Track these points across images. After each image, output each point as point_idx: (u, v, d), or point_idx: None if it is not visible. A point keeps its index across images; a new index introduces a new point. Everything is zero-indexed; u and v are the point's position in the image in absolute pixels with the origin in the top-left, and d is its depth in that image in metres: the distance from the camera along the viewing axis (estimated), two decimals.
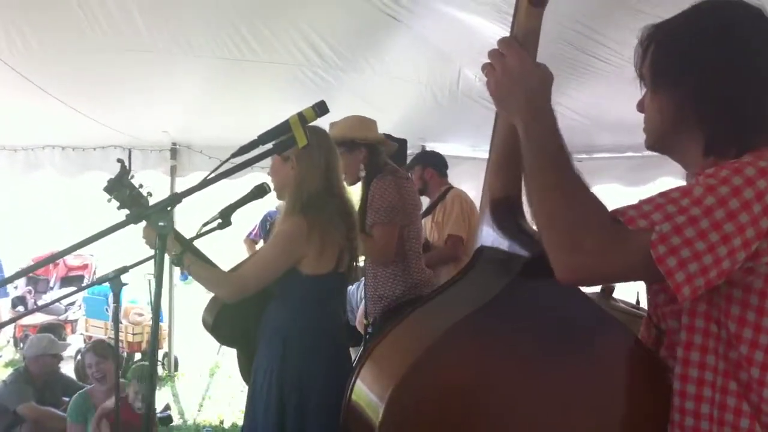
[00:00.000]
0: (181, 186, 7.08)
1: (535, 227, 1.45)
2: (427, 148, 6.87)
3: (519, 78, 1.44)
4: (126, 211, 2.85)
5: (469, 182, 6.34)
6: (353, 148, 4.06)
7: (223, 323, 3.31)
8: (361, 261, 4.40)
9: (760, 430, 1.38)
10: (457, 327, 1.49)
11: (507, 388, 1.48)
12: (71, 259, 10.38)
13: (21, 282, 10.01)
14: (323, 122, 4.01)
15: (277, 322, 3.17)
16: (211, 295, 3.36)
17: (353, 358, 3.54)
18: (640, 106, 1.59)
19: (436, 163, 5.79)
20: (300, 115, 1.75)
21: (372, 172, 4.09)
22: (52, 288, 10.16)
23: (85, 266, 10.40)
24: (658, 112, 1.53)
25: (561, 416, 1.48)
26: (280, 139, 1.80)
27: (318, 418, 3.06)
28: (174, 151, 7.58)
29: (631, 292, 3.69)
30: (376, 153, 4.14)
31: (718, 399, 1.40)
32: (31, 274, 9.99)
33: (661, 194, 1.34)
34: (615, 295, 3.45)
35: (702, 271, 1.26)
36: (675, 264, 1.26)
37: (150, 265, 3.32)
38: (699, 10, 1.49)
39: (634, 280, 1.44)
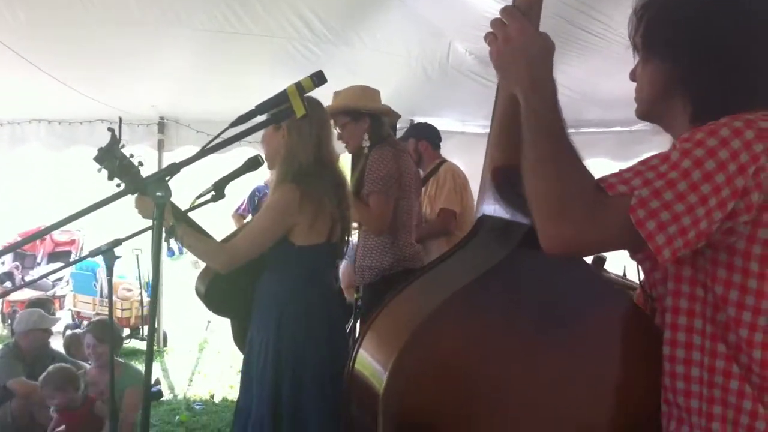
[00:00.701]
0: (168, 160, 7.04)
1: None
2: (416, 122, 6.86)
3: (520, 47, 1.44)
4: (116, 182, 2.82)
5: (459, 156, 6.33)
6: (358, 118, 4.10)
7: (215, 292, 3.30)
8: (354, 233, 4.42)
9: (749, 390, 1.40)
10: (457, 295, 1.51)
11: (507, 355, 1.50)
12: (58, 235, 10.31)
13: (8, 258, 9.95)
14: (326, 92, 4.05)
15: (271, 292, 3.18)
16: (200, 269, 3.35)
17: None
18: (633, 75, 1.60)
19: (430, 136, 5.77)
20: (298, 84, 1.74)
21: (375, 142, 4.10)
22: (39, 264, 10.10)
23: (72, 242, 10.35)
24: (649, 81, 1.55)
25: (559, 385, 1.50)
26: (278, 109, 1.78)
27: (313, 388, 3.07)
28: (162, 125, 7.53)
29: (618, 265, 3.71)
30: (380, 123, 4.16)
31: (707, 362, 1.43)
32: (18, 250, 9.95)
33: (641, 162, 1.37)
34: (611, 268, 3.47)
35: (681, 232, 1.28)
36: (654, 227, 1.28)
37: (138, 240, 3.31)
38: None
39: (617, 248, 1.44)
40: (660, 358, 1.49)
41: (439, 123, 6.21)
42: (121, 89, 6.37)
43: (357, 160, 4.30)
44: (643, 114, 1.61)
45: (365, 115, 4.11)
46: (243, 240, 3.12)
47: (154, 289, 1.86)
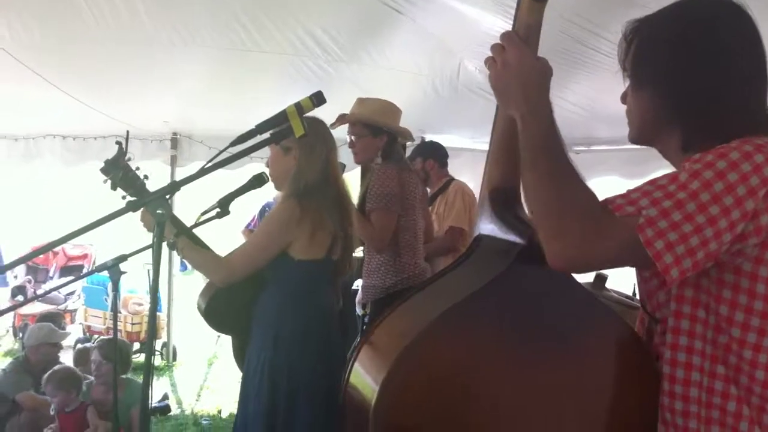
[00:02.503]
0: (181, 176, 7.07)
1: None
2: (427, 140, 6.88)
3: (517, 72, 1.47)
4: (121, 193, 2.85)
5: (469, 174, 6.34)
6: (377, 134, 4.11)
7: (216, 308, 3.30)
8: (360, 251, 4.44)
9: (747, 412, 1.41)
10: (451, 312, 1.52)
11: (499, 373, 1.51)
12: (71, 249, 10.37)
13: (21, 271, 10.00)
14: (333, 109, 4.08)
15: (269, 308, 3.19)
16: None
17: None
18: (624, 98, 1.62)
19: (436, 155, 5.79)
20: (297, 105, 1.77)
21: (384, 157, 4.13)
22: (51, 277, 10.15)
23: (84, 256, 10.40)
24: (638, 106, 1.57)
25: (552, 403, 1.51)
26: (278, 129, 1.81)
27: (308, 403, 3.08)
28: (174, 141, 7.59)
29: (628, 284, 3.70)
30: (394, 142, 4.19)
31: (706, 383, 1.43)
32: (30, 263, 10.00)
33: (649, 182, 1.37)
34: (612, 286, 3.46)
35: (689, 252, 1.28)
36: (662, 247, 1.28)
37: (149, 255, 3.33)
38: (681, 6, 1.52)
39: (623, 265, 1.46)
40: (653, 381, 1.50)
41: (449, 140, 6.24)
42: (134, 105, 6.41)
43: (364, 174, 4.32)
44: (635, 139, 1.63)
45: (384, 132, 4.12)
46: (241, 254, 3.14)
47: (153, 303, 1.88)
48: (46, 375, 4.96)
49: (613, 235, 1.32)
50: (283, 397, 3.09)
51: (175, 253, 3.25)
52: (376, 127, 4.10)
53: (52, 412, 4.89)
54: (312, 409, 3.07)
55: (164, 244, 2.95)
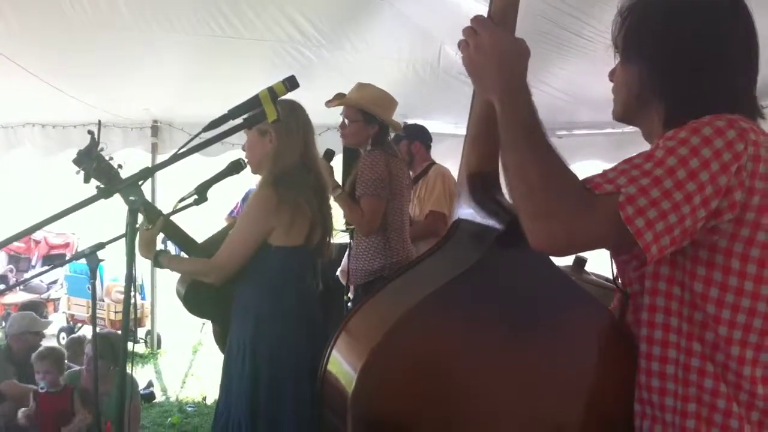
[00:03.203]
0: None
1: (510, 200, 1.46)
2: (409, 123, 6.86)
3: (491, 55, 1.46)
4: (95, 185, 2.82)
5: (451, 159, 6.30)
6: (370, 121, 4.13)
7: (195, 294, 3.30)
8: (345, 237, 4.43)
9: (724, 389, 1.42)
10: (429, 299, 1.51)
11: (478, 359, 1.50)
12: (53, 238, 10.33)
13: (2, 261, 9.96)
14: (331, 87, 4.05)
15: (249, 293, 3.18)
16: None
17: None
18: (611, 75, 1.63)
19: (422, 137, 5.76)
20: (270, 89, 1.76)
21: (373, 147, 4.15)
22: (33, 266, 10.10)
23: (66, 244, 10.36)
24: (625, 82, 1.58)
25: (531, 387, 1.51)
26: (251, 114, 1.79)
27: (291, 389, 3.08)
28: (155, 129, 7.56)
29: (607, 267, 3.70)
30: (385, 133, 4.22)
31: (682, 360, 1.44)
32: (12, 252, 9.95)
33: (625, 161, 1.38)
34: (591, 269, 3.46)
35: (668, 229, 1.29)
36: (643, 224, 1.28)
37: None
38: None
39: (605, 246, 1.46)
40: (631, 363, 1.50)
41: (431, 125, 6.21)
42: (114, 93, 6.37)
43: (351, 161, 4.33)
44: (619, 115, 1.63)
45: (377, 122, 4.14)
46: (226, 252, 3.12)
47: (127, 290, 1.86)
48: (38, 352, 4.93)
49: (595, 213, 1.32)
50: (266, 379, 3.09)
51: (158, 240, 3.23)
52: (370, 116, 4.12)
53: (42, 390, 4.86)
54: (296, 390, 3.07)
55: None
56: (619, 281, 1.64)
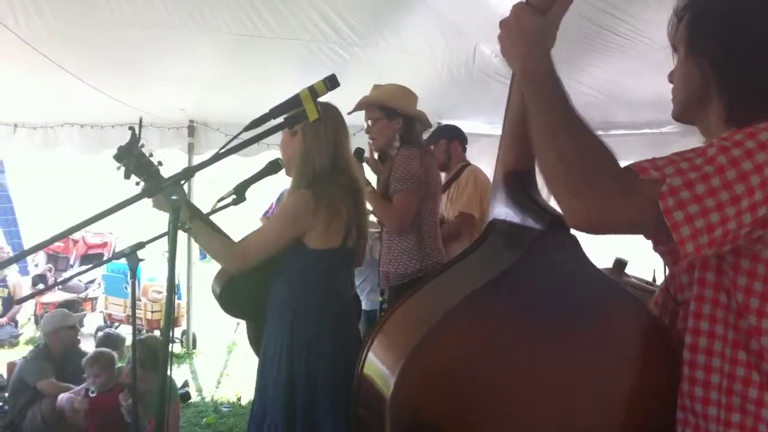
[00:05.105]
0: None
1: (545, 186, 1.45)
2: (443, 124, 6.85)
3: (515, 26, 1.48)
4: (135, 179, 2.84)
5: (486, 159, 6.29)
6: (392, 117, 4.10)
7: (230, 294, 3.28)
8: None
9: None
10: (467, 300, 1.49)
11: (517, 361, 1.49)
12: (91, 237, 10.48)
13: (41, 260, 10.11)
14: (364, 85, 4.07)
15: (285, 296, 3.17)
16: None
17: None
18: (671, 77, 1.60)
19: (461, 138, 5.77)
20: (311, 88, 1.76)
21: (403, 143, 4.11)
22: (72, 266, 10.26)
23: (104, 244, 10.49)
24: (684, 80, 1.54)
25: (570, 390, 1.49)
26: (291, 113, 1.80)
27: (326, 391, 3.07)
28: (191, 129, 7.62)
29: (648, 269, 3.67)
30: (411, 126, 4.16)
31: (727, 369, 1.41)
32: (51, 252, 10.10)
33: (677, 153, 1.34)
34: (632, 272, 3.44)
35: (708, 228, 1.26)
36: (682, 218, 1.26)
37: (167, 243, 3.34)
38: None
39: (641, 232, 1.42)
40: (673, 368, 1.48)
41: (466, 125, 6.20)
42: (150, 93, 6.43)
43: (384, 161, 4.30)
44: (678, 115, 1.60)
45: (400, 115, 4.10)
46: (254, 242, 3.12)
47: (170, 290, 1.87)
48: (88, 356, 5.05)
49: (636, 197, 1.29)
50: (302, 381, 3.08)
51: (194, 241, 3.23)
52: (391, 110, 4.09)
53: (92, 394, 4.94)
54: (331, 391, 3.06)
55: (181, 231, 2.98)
56: (671, 288, 1.60)
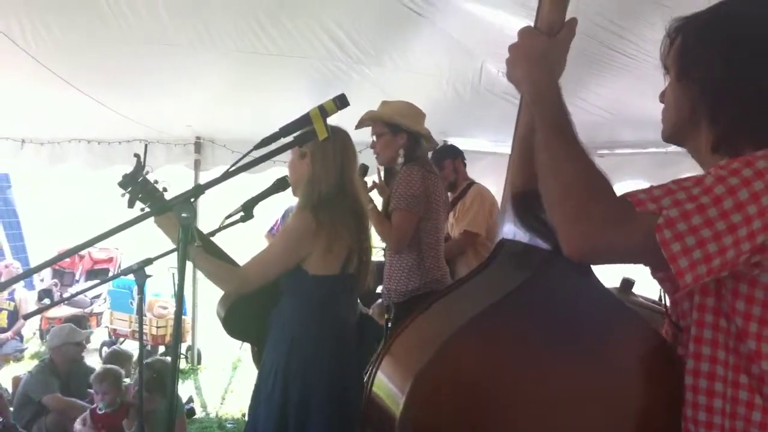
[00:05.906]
0: (205, 180, 7.10)
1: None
2: (449, 143, 6.87)
3: (521, 48, 1.54)
4: (140, 206, 2.83)
5: (491, 177, 6.33)
6: (396, 132, 4.12)
7: (235, 317, 3.28)
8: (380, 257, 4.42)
9: None
10: (476, 320, 1.50)
11: (526, 381, 1.48)
12: (97, 253, 10.49)
13: (47, 275, 10.12)
14: (371, 104, 4.07)
15: (284, 319, 3.16)
16: None
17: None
18: (662, 97, 1.60)
19: (461, 155, 5.83)
20: (321, 107, 1.77)
21: (407, 160, 4.13)
22: (77, 281, 10.26)
23: (110, 259, 10.51)
24: (674, 103, 1.55)
25: (578, 409, 1.49)
26: (301, 132, 1.81)
27: (319, 415, 3.05)
28: (198, 145, 7.64)
29: (655, 289, 3.66)
30: (416, 144, 4.18)
31: (730, 393, 1.41)
32: (56, 267, 10.12)
33: (674, 181, 1.34)
34: (639, 291, 3.43)
35: (705, 258, 1.26)
36: (679, 250, 1.26)
37: (173, 258, 3.34)
38: (730, 4, 1.49)
39: (637, 261, 1.41)
40: (680, 387, 1.47)
41: (471, 143, 6.24)
42: (157, 109, 6.46)
43: (389, 179, 4.32)
44: (668, 136, 1.61)
45: (404, 131, 4.13)
46: (254, 265, 3.10)
47: (178, 307, 1.88)
48: (96, 373, 5.03)
49: (632, 228, 1.30)
50: (293, 405, 3.06)
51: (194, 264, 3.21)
52: (396, 126, 4.11)
53: (100, 411, 4.94)
54: (323, 418, 3.04)
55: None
56: (673, 315, 1.60)
